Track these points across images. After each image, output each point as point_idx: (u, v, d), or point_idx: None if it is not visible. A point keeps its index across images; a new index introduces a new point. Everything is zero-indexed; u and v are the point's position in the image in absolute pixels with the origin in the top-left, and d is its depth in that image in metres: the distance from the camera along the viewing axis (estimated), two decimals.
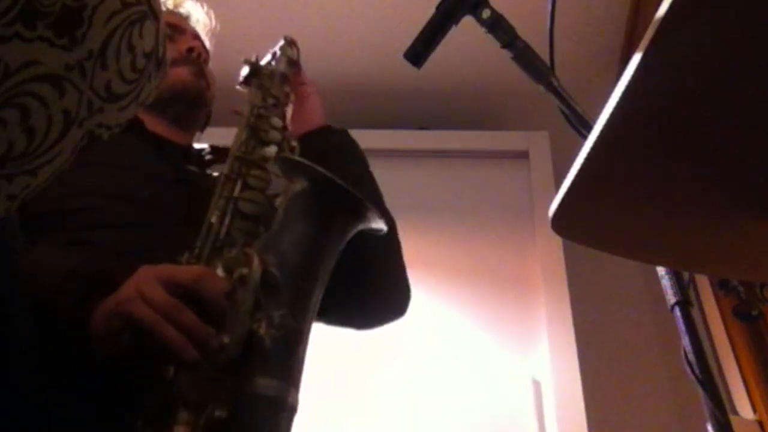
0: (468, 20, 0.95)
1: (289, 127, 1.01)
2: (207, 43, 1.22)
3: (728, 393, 1.81)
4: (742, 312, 1.68)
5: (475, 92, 2.47)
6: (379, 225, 0.84)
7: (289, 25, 2.24)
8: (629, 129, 0.53)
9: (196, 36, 1.19)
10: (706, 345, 0.80)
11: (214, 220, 0.82)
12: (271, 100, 0.99)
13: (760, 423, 1.66)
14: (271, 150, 0.93)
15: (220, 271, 0.74)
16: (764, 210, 0.59)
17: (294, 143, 0.97)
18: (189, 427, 0.64)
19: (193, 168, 1.06)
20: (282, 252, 0.75)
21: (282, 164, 0.86)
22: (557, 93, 0.90)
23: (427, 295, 2.07)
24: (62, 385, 0.71)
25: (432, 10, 0.96)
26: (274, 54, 1.09)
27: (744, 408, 1.74)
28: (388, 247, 1.00)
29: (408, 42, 0.96)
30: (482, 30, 0.94)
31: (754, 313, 1.65)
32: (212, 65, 1.20)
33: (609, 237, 0.71)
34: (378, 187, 1.10)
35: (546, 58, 0.92)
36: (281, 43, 1.10)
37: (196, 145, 1.15)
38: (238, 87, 1.04)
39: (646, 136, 0.54)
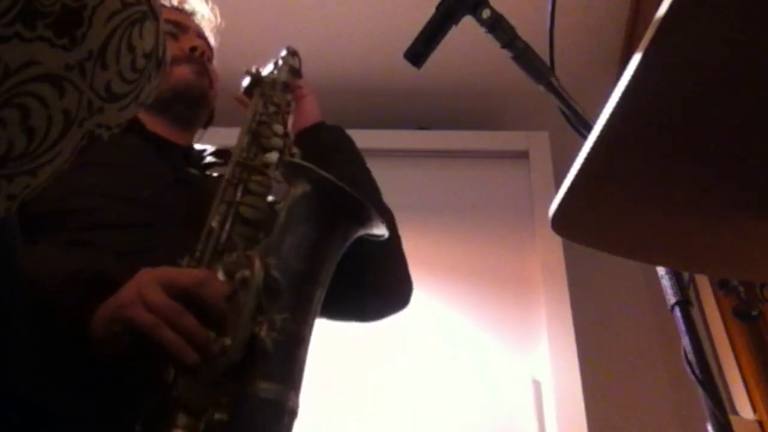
0: (468, 20, 0.95)
1: (291, 134, 1.01)
2: (211, 41, 1.22)
3: (728, 393, 1.81)
4: (742, 312, 1.67)
5: (475, 92, 2.47)
6: (381, 230, 0.84)
7: (289, 25, 2.25)
8: (629, 129, 0.53)
9: (200, 34, 1.19)
10: (706, 345, 0.80)
11: (214, 224, 0.83)
12: (272, 108, 1.00)
13: (760, 423, 1.66)
14: (273, 156, 0.93)
15: (220, 275, 0.74)
16: (764, 210, 0.59)
17: (295, 150, 0.98)
18: (187, 431, 0.64)
19: (193, 171, 1.06)
20: (283, 255, 0.75)
21: (284, 168, 0.86)
22: (557, 93, 0.90)
23: (427, 295, 2.07)
24: (62, 385, 0.71)
25: (432, 10, 0.96)
26: (276, 63, 1.10)
27: (744, 408, 1.74)
28: (389, 241, 1.01)
29: (408, 42, 0.96)
30: (482, 30, 0.94)
31: (754, 313, 1.65)
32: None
33: (609, 237, 0.71)
34: (375, 183, 1.10)
35: (546, 58, 0.92)
36: (283, 52, 1.11)
37: (198, 146, 1.15)
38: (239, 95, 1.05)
39: (646, 136, 0.54)
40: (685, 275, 0.81)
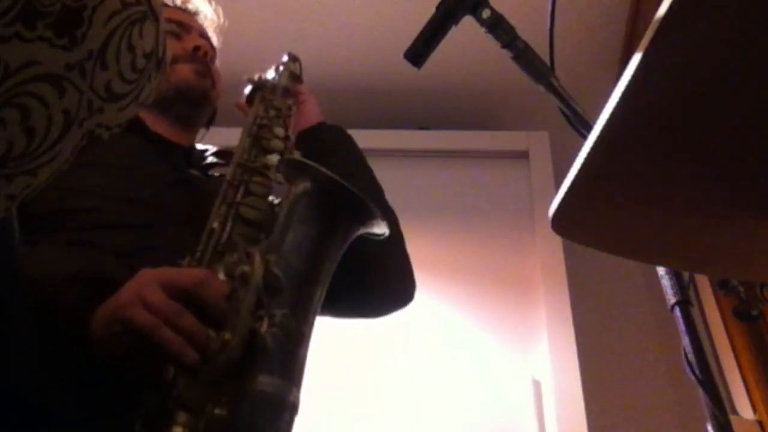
0: (468, 20, 0.95)
1: (292, 137, 1.02)
2: (214, 41, 1.22)
3: (728, 393, 1.81)
4: (742, 312, 1.67)
5: (475, 92, 2.47)
6: (382, 229, 0.84)
7: (289, 25, 2.25)
8: (629, 129, 0.53)
9: (203, 34, 1.19)
10: (706, 345, 0.80)
11: (215, 225, 0.83)
12: (273, 112, 1.01)
13: (760, 423, 1.66)
14: (273, 158, 0.94)
15: (221, 276, 0.74)
16: (764, 210, 0.59)
17: (296, 153, 0.98)
18: (187, 429, 0.64)
19: (194, 171, 1.06)
20: (284, 252, 0.75)
21: (285, 166, 0.86)
22: (557, 93, 0.90)
23: (427, 295, 2.07)
24: (62, 385, 0.71)
25: (432, 10, 0.96)
26: (277, 69, 1.11)
27: (744, 408, 1.74)
28: (391, 239, 1.01)
29: (408, 42, 0.96)
30: (482, 30, 0.94)
31: (754, 313, 1.65)
32: None
33: (609, 237, 0.71)
34: (377, 181, 1.10)
35: (546, 58, 0.92)
36: (285, 58, 1.12)
37: (199, 147, 1.15)
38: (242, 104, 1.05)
39: (646, 136, 0.54)
40: (685, 275, 0.81)
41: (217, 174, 1.05)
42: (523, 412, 1.93)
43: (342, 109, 2.48)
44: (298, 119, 1.11)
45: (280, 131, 0.99)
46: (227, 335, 0.67)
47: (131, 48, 0.42)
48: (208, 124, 1.20)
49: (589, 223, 0.67)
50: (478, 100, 2.49)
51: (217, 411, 0.65)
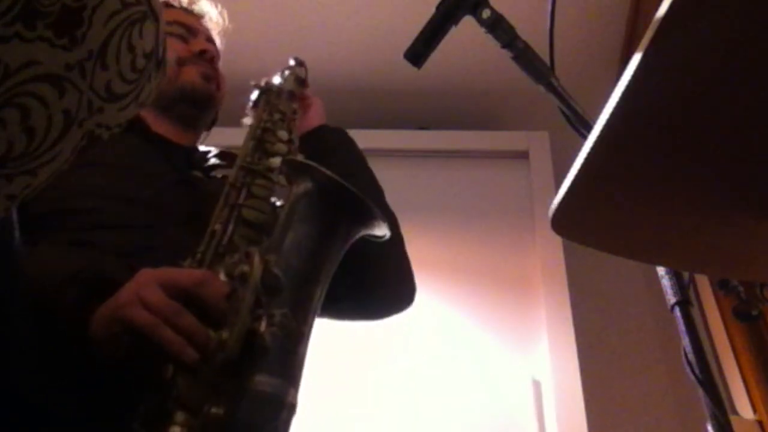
0: (468, 20, 0.95)
1: (295, 141, 1.02)
2: (218, 43, 1.23)
3: (728, 393, 1.81)
4: (742, 312, 1.67)
5: (475, 92, 2.47)
6: (383, 231, 0.84)
7: (290, 25, 2.25)
8: (629, 129, 0.53)
9: (209, 38, 1.20)
10: (706, 345, 0.80)
11: (217, 227, 0.83)
12: (277, 115, 1.02)
13: (760, 423, 1.66)
14: (277, 161, 0.94)
15: (222, 277, 0.74)
16: (764, 210, 0.59)
17: (300, 157, 0.98)
18: (186, 428, 0.64)
19: (197, 173, 1.06)
20: (284, 252, 0.75)
21: (286, 166, 0.87)
22: (557, 93, 0.90)
23: (427, 295, 2.07)
24: (62, 385, 0.71)
25: (432, 10, 0.96)
26: (283, 73, 1.11)
27: (744, 408, 1.74)
28: (391, 241, 1.02)
29: (408, 42, 0.96)
30: (482, 30, 0.94)
31: (754, 313, 1.65)
32: None
33: (609, 237, 0.71)
34: (377, 182, 1.11)
35: (546, 58, 0.92)
36: (291, 62, 1.12)
37: (202, 148, 1.15)
38: (247, 115, 1.06)
39: (646, 136, 0.54)
40: (685, 275, 0.81)
41: (219, 175, 1.05)
42: (523, 412, 1.93)
43: (342, 109, 2.48)
44: (302, 121, 1.12)
45: (283, 135, 0.99)
46: (225, 334, 0.67)
47: (131, 48, 0.42)
48: (210, 126, 1.20)
49: (589, 223, 0.67)
50: (478, 100, 2.49)
51: (214, 410, 0.65)
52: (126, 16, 0.41)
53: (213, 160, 1.12)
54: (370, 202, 0.81)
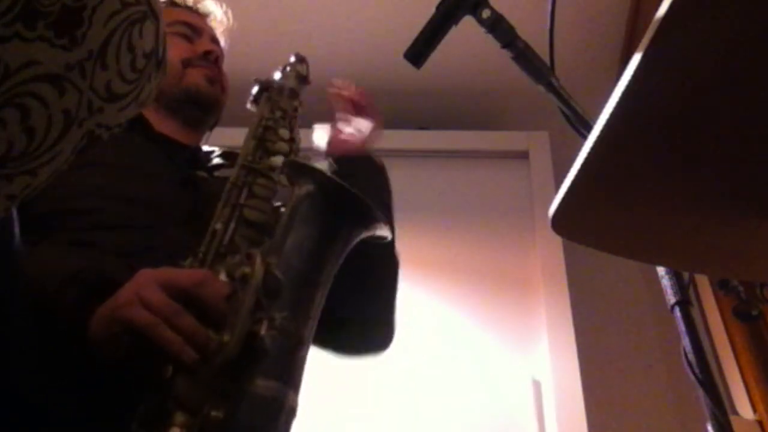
0: (468, 20, 0.95)
1: (297, 139, 1.02)
2: (222, 43, 1.23)
3: (728, 393, 1.81)
4: (742, 312, 1.67)
5: (475, 92, 2.46)
6: (384, 232, 0.84)
7: (290, 25, 2.25)
8: (629, 129, 0.53)
9: (214, 38, 1.19)
10: (706, 345, 0.80)
11: (218, 226, 0.82)
12: (279, 113, 1.01)
13: (760, 423, 1.66)
14: (278, 160, 0.93)
15: (222, 277, 0.74)
16: (764, 210, 0.59)
17: (302, 155, 0.98)
18: (184, 429, 0.64)
19: (201, 173, 1.06)
20: (285, 255, 0.75)
21: (288, 168, 0.86)
22: (557, 93, 0.90)
23: (427, 295, 2.07)
24: (62, 385, 0.71)
25: (432, 10, 0.96)
26: (284, 70, 1.10)
27: (744, 408, 1.74)
28: (384, 286, 1.03)
29: (408, 42, 0.96)
30: (482, 30, 0.94)
31: (754, 313, 1.65)
32: None
33: (609, 237, 0.71)
34: (390, 205, 1.09)
35: (546, 58, 0.92)
36: (292, 59, 1.11)
37: (206, 148, 1.15)
38: (248, 106, 1.05)
39: (646, 136, 0.54)
40: (685, 275, 0.81)
41: (222, 176, 1.05)
42: (523, 412, 1.93)
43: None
44: (341, 139, 1.10)
45: (285, 133, 0.98)
46: (226, 337, 0.67)
47: (131, 48, 0.42)
48: (212, 126, 1.20)
49: (589, 223, 0.67)
50: (478, 100, 2.49)
51: (213, 413, 0.65)
52: (126, 16, 0.41)
53: (217, 160, 1.11)
54: (372, 203, 0.80)
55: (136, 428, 0.66)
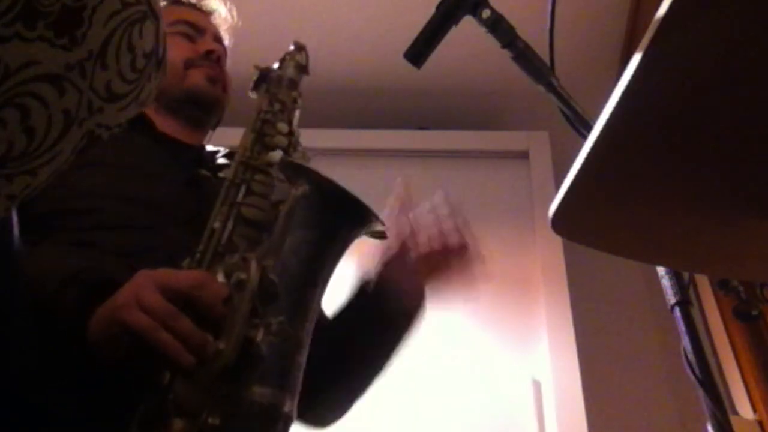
0: (468, 20, 0.95)
1: (296, 132, 1.01)
2: (226, 42, 1.21)
3: (728, 393, 1.81)
4: (742, 312, 1.68)
5: (475, 92, 2.47)
6: (380, 228, 0.84)
7: (290, 25, 2.25)
8: (629, 129, 0.53)
9: (217, 37, 1.18)
10: (706, 345, 0.79)
11: (216, 225, 0.82)
12: (277, 106, 0.99)
13: (760, 423, 1.66)
14: (276, 155, 0.93)
15: (220, 277, 0.73)
16: (764, 210, 0.59)
17: (300, 148, 0.97)
18: None
19: (204, 172, 1.06)
20: (282, 257, 0.75)
21: (285, 168, 0.86)
22: (557, 93, 0.90)
23: (426, 295, 2.07)
24: (62, 385, 0.71)
25: (432, 10, 0.96)
26: (283, 58, 1.09)
27: (744, 408, 1.74)
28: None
29: (408, 42, 0.96)
30: (482, 30, 0.94)
31: (754, 313, 1.65)
32: None
33: (609, 237, 0.71)
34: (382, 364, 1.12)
35: (546, 58, 0.92)
36: (291, 47, 1.10)
37: (210, 148, 1.15)
38: (250, 93, 1.04)
39: (646, 136, 0.54)
40: (685, 275, 0.80)
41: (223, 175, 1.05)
42: (523, 412, 1.92)
43: (342, 109, 2.48)
44: (403, 266, 1.12)
45: (283, 127, 0.96)
46: (222, 344, 0.66)
47: (131, 48, 0.42)
48: (215, 126, 1.20)
49: (589, 223, 0.67)
50: (478, 100, 2.49)
51: (210, 420, 0.64)
52: (126, 16, 0.41)
53: (221, 160, 1.11)
54: (368, 205, 0.80)
55: (135, 431, 0.66)
